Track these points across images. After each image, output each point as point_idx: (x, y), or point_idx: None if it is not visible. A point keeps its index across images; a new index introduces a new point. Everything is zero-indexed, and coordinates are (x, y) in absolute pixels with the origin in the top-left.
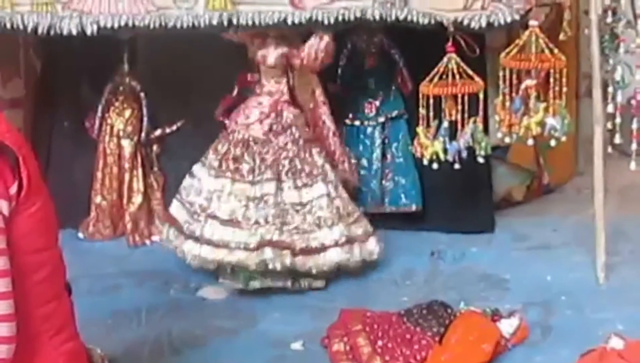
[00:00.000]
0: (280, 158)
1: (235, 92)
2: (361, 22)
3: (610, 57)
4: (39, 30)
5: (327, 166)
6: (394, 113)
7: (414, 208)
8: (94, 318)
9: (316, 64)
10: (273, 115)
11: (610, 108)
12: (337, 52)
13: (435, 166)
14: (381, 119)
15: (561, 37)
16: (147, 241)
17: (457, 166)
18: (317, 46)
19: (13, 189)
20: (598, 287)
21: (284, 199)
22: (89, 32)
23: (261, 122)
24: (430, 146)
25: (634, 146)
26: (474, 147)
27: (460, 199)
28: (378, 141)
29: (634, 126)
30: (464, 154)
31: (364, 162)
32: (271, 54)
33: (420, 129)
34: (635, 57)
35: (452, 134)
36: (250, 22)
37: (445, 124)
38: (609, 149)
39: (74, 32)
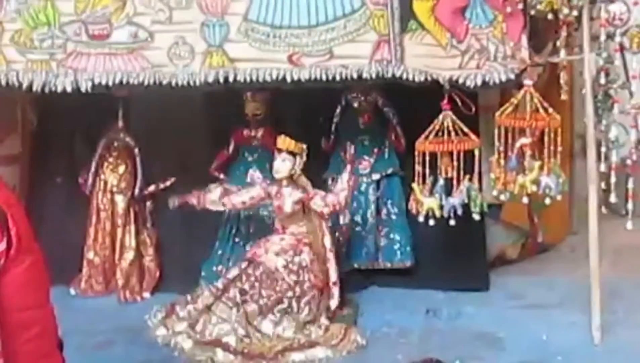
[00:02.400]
0: (283, 296)
1: (231, 147)
2: (358, 80)
3: (603, 117)
4: (34, 88)
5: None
6: (389, 170)
7: (408, 264)
8: None
9: (343, 208)
10: (291, 253)
11: (603, 168)
12: (332, 109)
13: (431, 222)
14: (376, 176)
15: (563, 96)
16: (138, 298)
17: (452, 222)
18: (347, 191)
19: (1, 246)
20: (594, 347)
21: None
22: (83, 89)
23: (277, 255)
24: (426, 202)
25: (629, 206)
26: (469, 204)
27: (455, 257)
28: (372, 198)
29: (630, 185)
30: (460, 211)
31: (359, 218)
32: (287, 203)
33: (415, 186)
34: (629, 118)
35: (448, 191)
36: (248, 79)
37: (441, 181)
38: (604, 209)
39: (69, 89)
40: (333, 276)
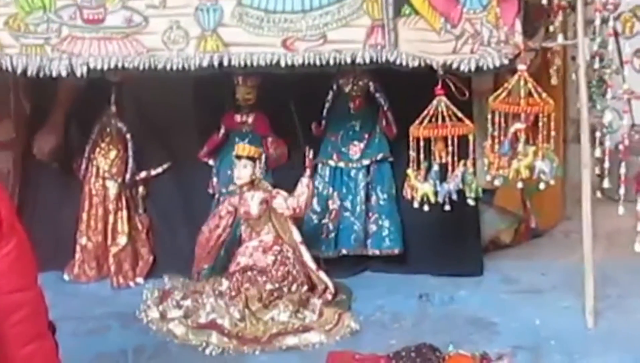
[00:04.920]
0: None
1: (221, 132)
2: (352, 65)
3: (597, 103)
4: (29, 72)
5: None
6: (379, 156)
7: (396, 251)
8: (79, 360)
9: (303, 211)
10: (276, 247)
11: (597, 153)
12: (323, 94)
13: (426, 208)
14: (366, 162)
15: (553, 81)
16: (131, 283)
17: (447, 207)
18: (307, 194)
19: None
20: (587, 332)
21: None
22: (78, 73)
23: (265, 253)
24: (421, 188)
25: (622, 191)
26: (463, 189)
27: (449, 242)
28: (362, 184)
29: (622, 170)
30: (454, 196)
31: (348, 204)
32: (252, 206)
33: (410, 172)
34: (622, 103)
35: (443, 177)
36: (242, 64)
37: (436, 166)
38: (597, 194)
39: (64, 73)
40: (312, 265)
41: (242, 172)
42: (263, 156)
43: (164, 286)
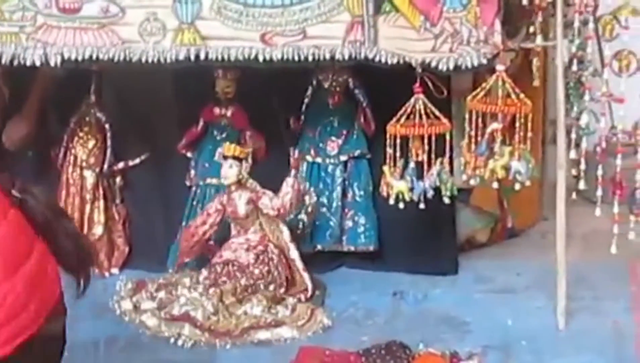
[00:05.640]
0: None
1: (200, 125)
2: (331, 61)
3: (575, 105)
4: (2, 60)
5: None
6: (356, 152)
7: (371, 247)
8: None
9: (289, 211)
10: (260, 247)
11: (573, 154)
12: (302, 89)
13: (401, 205)
14: (343, 158)
15: (535, 82)
16: (106, 273)
17: (422, 206)
18: (292, 194)
19: None
20: (558, 333)
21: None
22: (52, 63)
23: (247, 251)
24: (396, 185)
25: (599, 193)
26: (439, 188)
27: (424, 240)
28: (339, 180)
29: (599, 172)
30: (430, 194)
31: (324, 200)
32: (239, 206)
33: (386, 168)
34: (600, 105)
35: (419, 174)
36: (219, 58)
37: (412, 164)
38: (574, 195)
39: (37, 63)
40: (300, 264)
41: (229, 172)
42: (250, 156)
43: (138, 277)
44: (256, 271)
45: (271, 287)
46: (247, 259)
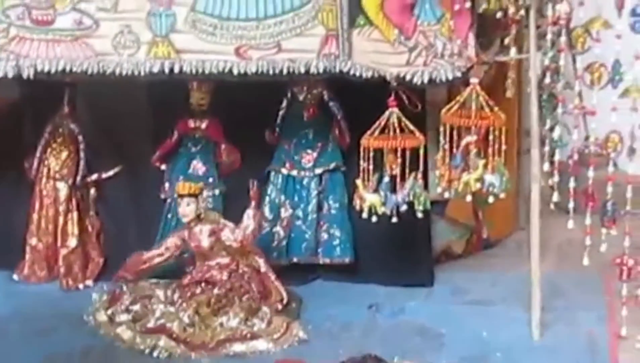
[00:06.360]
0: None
1: (174, 137)
2: (306, 74)
3: (548, 117)
4: None
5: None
6: (332, 165)
7: (347, 260)
8: (26, 360)
9: (251, 242)
10: (233, 266)
11: (547, 167)
12: (277, 101)
13: (374, 219)
14: (318, 171)
15: (508, 94)
16: (81, 285)
17: (394, 219)
18: (253, 226)
19: None
20: (532, 343)
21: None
22: (25, 75)
23: (221, 269)
24: (369, 198)
25: (571, 205)
26: (413, 201)
27: (401, 252)
28: (314, 192)
29: (571, 184)
30: (403, 208)
31: (299, 212)
32: (203, 240)
33: (359, 182)
34: (573, 118)
35: (393, 188)
36: (193, 71)
37: (386, 178)
38: (552, 206)
39: (10, 75)
40: (271, 274)
41: (187, 210)
42: (205, 191)
43: (113, 289)
44: (227, 284)
45: (244, 298)
46: (221, 276)
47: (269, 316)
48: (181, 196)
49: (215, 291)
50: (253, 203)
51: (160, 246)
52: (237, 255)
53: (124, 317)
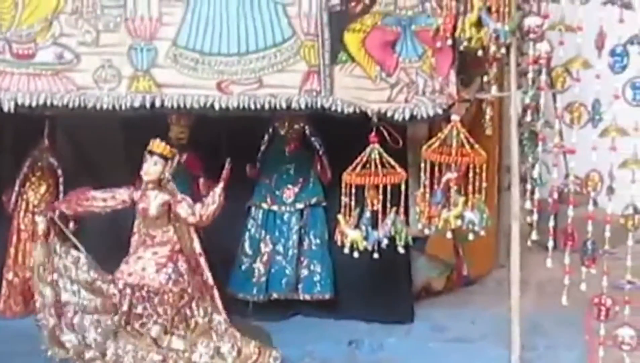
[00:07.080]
0: (179, 305)
1: None
2: (287, 110)
3: (528, 155)
4: None
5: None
6: (313, 200)
7: (327, 296)
8: None
9: (207, 222)
10: (171, 265)
11: (528, 205)
12: (259, 135)
13: (355, 254)
14: (299, 206)
15: (487, 131)
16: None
17: (375, 255)
18: (217, 205)
19: None
20: None
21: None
22: (5, 108)
23: (158, 272)
24: (350, 234)
25: (550, 244)
26: (394, 237)
27: (381, 288)
28: (295, 228)
29: (551, 223)
30: (384, 244)
31: (280, 248)
32: (152, 206)
33: (341, 217)
34: (552, 156)
35: (374, 224)
36: (175, 105)
37: (367, 213)
38: (529, 243)
39: None
40: (209, 279)
41: (152, 169)
42: (176, 158)
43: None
44: (171, 296)
45: (194, 306)
46: (159, 280)
47: (239, 344)
48: (151, 152)
49: (169, 312)
50: (222, 183)
51: (108, 192)
52: (180, 234)
53: (91, 354)
